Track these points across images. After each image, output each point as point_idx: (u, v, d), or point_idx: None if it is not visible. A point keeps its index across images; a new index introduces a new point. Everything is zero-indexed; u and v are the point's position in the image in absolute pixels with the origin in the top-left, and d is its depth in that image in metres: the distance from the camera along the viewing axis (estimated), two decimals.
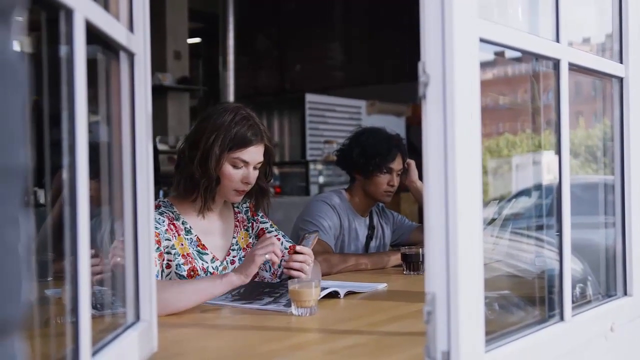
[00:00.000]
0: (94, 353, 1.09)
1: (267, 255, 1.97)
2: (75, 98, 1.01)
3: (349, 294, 2.16)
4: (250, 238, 2.37)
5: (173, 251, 2.13)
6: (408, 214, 5.17)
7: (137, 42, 1.36)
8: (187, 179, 2.18)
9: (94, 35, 1.12)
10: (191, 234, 2.20)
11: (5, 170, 0.55)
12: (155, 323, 1.42)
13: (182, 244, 2.16)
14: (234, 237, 2.33)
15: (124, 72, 1.35)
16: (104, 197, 1.37)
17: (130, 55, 1.35)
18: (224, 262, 2.26)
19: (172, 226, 2.16)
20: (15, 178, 0.57)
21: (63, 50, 1.02)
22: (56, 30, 1.02)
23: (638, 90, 1.82)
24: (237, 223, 2.36)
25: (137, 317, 1.37)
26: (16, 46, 0.58)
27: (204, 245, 2.22)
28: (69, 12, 1.00)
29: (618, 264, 1.82)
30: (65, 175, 1.03)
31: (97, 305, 1.36)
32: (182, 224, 2.20)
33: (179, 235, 2.17)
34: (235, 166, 2.18)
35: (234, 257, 2.30)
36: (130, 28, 1.35)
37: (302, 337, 1.68)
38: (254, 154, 2.19)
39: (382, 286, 2.32)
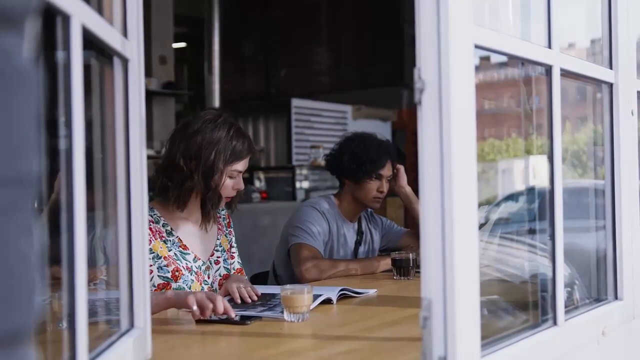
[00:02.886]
0: None
1: (194, 308, 1.80)
2: (72, 103, 1.00)
3: (342, 297, 2.16)
4: (228, 243, 2.46)
5: (151, 255, 2.17)
6: (394, 218, 5.18)
7: (131, 48, 1.35)
8: (187, 192, 2.23)
9: (88, 41, 1.11)
10: (173, 235, 2.26)
11: (19, 179, 0.55)
12: (150, 330, 1.41)
13: (161, 247, 2.21)
14: (218, 239, 2.41)
15: (117, 77, 1.34)
16: (97, 203, 1.37)
17: (125, 61, 1.34)
18: (207, 262, 2.33)
19: (149, 230, 2.19)
20: (28, 186, 0.56)
21: (59, 55, 1.02)
22: (51, 35, 1.02)
23: (627, 96, 1.84)
24: (220, 226, 2.44)
25: (132, 324, 1.36)
26: (29, 53, 0.58)
27: (185, 245, 2.28)
28: (66, 18, 0.99)
29: (609, 269, 1.83)
30: (58, 180, 1.02)
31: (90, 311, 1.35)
32: (163, 226, 2.26)
33: (156, 239, 2.22)
34: (231, 177, 2.28)
35: (218, 257, 2.38)
36: (125, 34, 1.34)
37: (296, 344, 1.67)
38: (246, 163, 2.32)
39: (372, 292, 2.33)
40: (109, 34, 1.21)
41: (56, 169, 1.02)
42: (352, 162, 2.97)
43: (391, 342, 1.64)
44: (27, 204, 0.57)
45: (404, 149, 7.44)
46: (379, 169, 2.97)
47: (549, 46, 1.51)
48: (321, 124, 8.13)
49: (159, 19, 7.43)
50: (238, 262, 2.49)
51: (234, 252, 2.49)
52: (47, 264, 1.16)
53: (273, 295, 2.16)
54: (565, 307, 1.57)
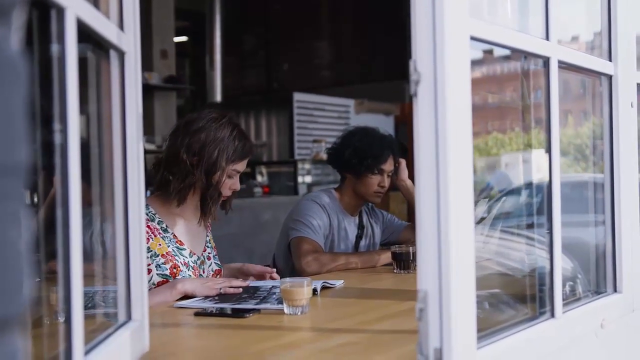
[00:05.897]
0: (86, 352, 1.09)
1: (221, 290, 2.12)
2: (66, 97, 1.01)
3: (324, 288, 2.21)
4: (213, 241, 2.51)
5: (149, 253, 2.19)
6: (397, 213, 5.17)
7: (127, 41, 1.35)
8: (187, 187, 2.26)
9: (84, 34, 1.11)
10: (168, 232, 2.29)
11: (8, 167, 0.55)
12: (147, 323, 1.41)
13: (159, 244, 2.24)
14: (208, 236, 2.45)
15: (114, 71, 1.34)
16: (94, 197, 1.37)
17: (121, 54, 1.34)
18: (202, 257, 2.38)
19: (147, 228, 2.21)
20: (17, 175, 0.57)
21: (54, 48, 1.02)
22: (47, 28, 1.02)
23: (627, 88, 1.84)
24: (208, 225, 2.48)
25: (129, 317, 1.36)
26: (16, 44, 0.58)
27: (181, 241, 2.31)
28: (61, 11, 0.99)
29: (608, 262, 1.83)
30: (56, 176, 1.02)
31: (87, 304, 1.36)
32: (158, 223, 2.28)
33: (155, 236, 2.24)
34: (229, 176, 2.31)
35: (209, 253, 2.43)
36: (121, 26, 1.34)
37: (294, 336, 1.68)
38: (245, 164, 2.36)
39: (339, 283, 2.36)
40: (104, 27, 1.21)
41: (55, 164, 1.02)
42: (353, 156, 2.97)
43: (388, 335, 1.64)
44: (16, 193, 0.57)
45: (407, 143, 7.43)
46: (380, 163, 2.96)
47: (547, 38, 1.51)
48: (323, 118, 8.12)
49: (160, 13, 7.42)
50: (216, 263, 2.49)
51: (209, 256, 2.50)
52: (46, 258, 1.16)
53: (257, 288, 2.18)
54: (566, 300, 1.57)
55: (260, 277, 2.41)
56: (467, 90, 1.21)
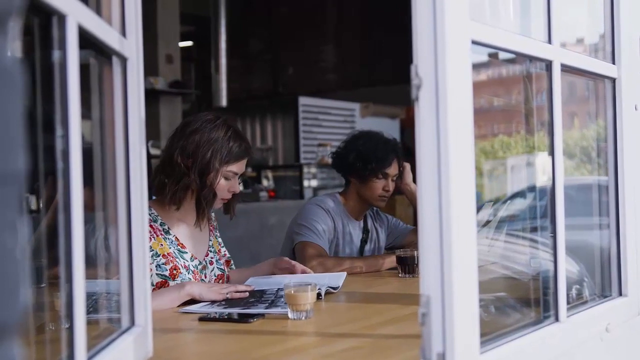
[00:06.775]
0: (89, 358, 1.09)
1: (228, 295, 2.11)
2: (68, 103, 1.01)
3: (328, 293, 2.20)
4: (218, 245, 2.50)
5: (151, 252, 2.20)
6: (403, 216, 5.18)
7: (129, 47, 1.36)
8: (183, 189, 2.26)
9: (86, 40, 1.12)
10: (170, 234, 2.29)
11: (5, 176, 0.56)
12: (150, 328, 1.41)
13: (161, 244, 2.25)
14: (210, 240, 2.45)
15: (116, 76, 1.34)
16: (97, 203, 1.37)
17: (123, 60, 1.34)
18: (203, 262, 2.37)
19: (149, 228, 2.21)
20: (14, 183, 0.57)
21: (55, 55, 1.02)
22: (48, 35, 1.02)
23: (630, 91, 1.83)
24: (211, 228, 2.48)
25: (132, 322, 1.36)
26: (13, 52, 0.59)
27: (182, 244, 2.31)
28: (62, 18, 0.99)
29: (613, 265, 1.82)
30: (59, 181, 1.02)
31: (90, 309, 1.36)
32: (160, 225, 2.29)
33: (157, 236, 2.25)
34: (226, 178, 2.30)
35: (211, 258, 2.42)
36: (123, 33, 1.35)
37: (298, 341, 1.68)
38: (243, 165, 2.35)
39: (342, 275, 2.40)
40: (106, 33, 1.21)
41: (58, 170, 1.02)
42: (358, 160, 2.97)
43: (393, 340, 1.64)
44: (13, 201, 0.57)
45: (412, 146, 7.41)
46: (384, 167, 2.96)
47: (549, 41, 1.51)
48: (329, 122, 8.13)
49: (165, 18, 7.42)
50: (219, 267, 2.49)
51: (225, 251, 2.53)
52: (51, 264, 1.17)
53: (264, 292, 2.18)
54: (572, 303, 1.56)
55: (289, 271, 2.44)
56: (468, 94, 1.21)
